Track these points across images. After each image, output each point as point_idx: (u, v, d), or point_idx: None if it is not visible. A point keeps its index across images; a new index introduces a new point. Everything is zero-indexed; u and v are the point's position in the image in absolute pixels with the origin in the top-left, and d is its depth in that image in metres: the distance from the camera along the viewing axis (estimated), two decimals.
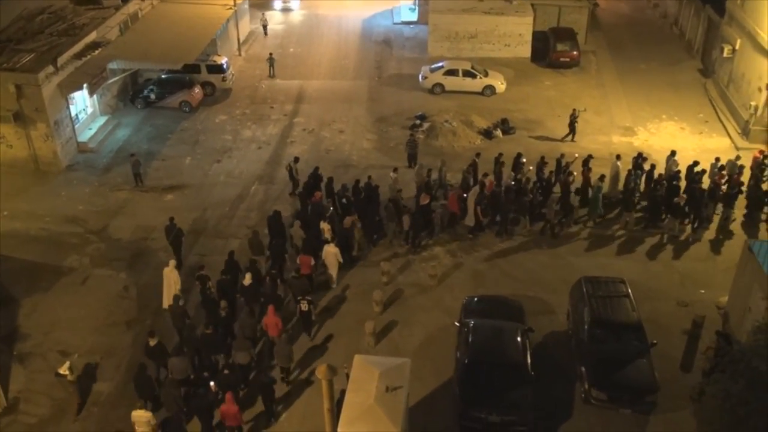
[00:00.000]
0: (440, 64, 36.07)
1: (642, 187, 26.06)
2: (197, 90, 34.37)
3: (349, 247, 23.26)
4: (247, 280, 20.36)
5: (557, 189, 25.80)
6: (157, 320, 20.96)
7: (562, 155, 26.97)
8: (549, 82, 36.92)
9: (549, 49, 38.22)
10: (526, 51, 39.14)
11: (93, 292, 22.27)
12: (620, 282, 20.09)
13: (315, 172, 25.97)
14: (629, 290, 19.68)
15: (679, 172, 25.75)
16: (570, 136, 30.70)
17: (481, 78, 35.27)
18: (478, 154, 27.38)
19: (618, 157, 26.90)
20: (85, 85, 29.51)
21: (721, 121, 32.55)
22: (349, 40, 42.85)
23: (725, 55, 33.26)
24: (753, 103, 30.34)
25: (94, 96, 31.70)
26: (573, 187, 25.31)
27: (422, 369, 18.87)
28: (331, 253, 22.00)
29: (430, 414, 17.79)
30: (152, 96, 33.92)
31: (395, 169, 26.14)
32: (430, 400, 18.26)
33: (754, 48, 30.80)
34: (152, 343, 18.44)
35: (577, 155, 27.34)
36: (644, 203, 25.85)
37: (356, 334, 20.40)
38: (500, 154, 27.13)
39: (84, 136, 30.90)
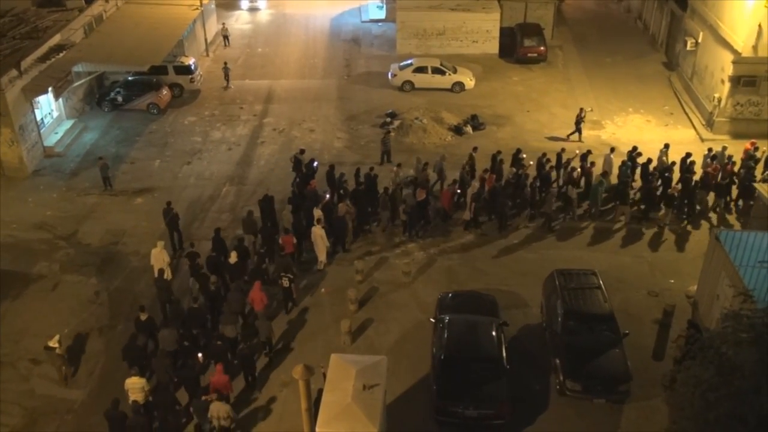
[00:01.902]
0: (409, 62, 36.16)
1: (637, 179, 26.24)
2: (165, 92, 34.02)
3: (343, 235, 23.62)
4: (233, 258, 21.14)
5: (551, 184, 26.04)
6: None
7: (563, 150, 27.17)
8: (517, 78, 37.22)
9: (516, 45, 38.52)
10: (493, 47, 39.41)
11: (63, 298, 21.95)
12: (592, 274, 20.35)
13: (310, 163, 26.56)
14: (601, 282, 19.96)
15: (673, 164, 26.02)
16: (576, 135, 30.61)
17: (450, 75, 35.44)
18: (475, 149, 27.37)
19: (612, 150, 27.12)
20: (50, 89, 29.04)
21: (686, 113, 33.11)
22: (318, 38, 42.77)
23: (688, 48, 33.85)
24: (716, 95, 30.92)
25: (60, 99, 31.27)
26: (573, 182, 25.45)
27: (398, 366, 18.93)
28: (318, 235, 22.43)
29: (407, 411, 17.86)
30: (119, 98, 33.52)
31: (399, 165, 26.59)
32: (408, 396, 18.32)
33: (716, 41, 31.37)
34: (143, 317, 19.17)
35: (578, 151, 27.41)
36: (633, 196, 25.95)
37: (332, 332, 20.40)
38: (498, 152, 27.11)
39: (50, 140, 30.39)
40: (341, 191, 25.15)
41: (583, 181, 25.96)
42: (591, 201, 25.41)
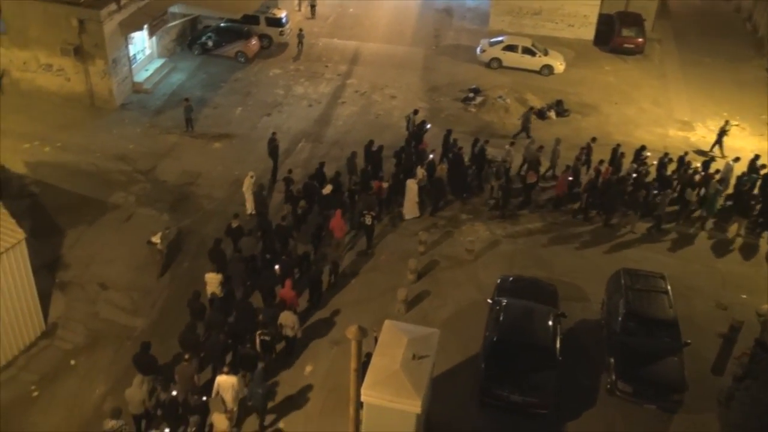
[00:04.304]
0: (500, 39, 35.44)
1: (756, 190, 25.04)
2: (254, 42, 34.38)
3: (439, 196, 24.25)
4: (327, 190, 22.79)
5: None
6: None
7: (686, 153, 26.35)
8: (609, 68, 36.02)
9: (613, 34, 37.16)
10: (589, 33, 38.16)
11: (135, 230, 22.68)
12: (660, 277, 19.77)
13: (422, 124, 27.64)
14: (668, 286, 19.37)
15: None
16: (717, 146, 29.00)
17: (540, 56, 34.58)
18: (593, 139, 26.70)
19: (736, 159, 25.92)
20: (145, 26, 29.75)
21: None
22: (410, 5, 42.21)
23: None
24: None
25: (154, 38, 31.92)
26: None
27: (448, 341, 18.78)
28: (411, 188, 23.24)
29: (451, 387, 17.83)
30: (210, 43, 34.05)
31: (512, 143, 26.62)
32: (453, 373, 18.31)
33: None
34: (234, 224, 21.15)
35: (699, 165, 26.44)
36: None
37: (388, 299, 20.49)
38: (618, 145, 26.41)
39: (140, 76, 31.20)
40: (450, 155, 25.48)
41: (701, 188, 24.77)
42: (707, 209, 24.32)
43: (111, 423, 15.11)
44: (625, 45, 36.88)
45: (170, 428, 15.96)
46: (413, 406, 14.41)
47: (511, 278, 20.21)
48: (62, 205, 23.29)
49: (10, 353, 18.10)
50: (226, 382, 16.06)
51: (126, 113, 29.30)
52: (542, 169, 25.86)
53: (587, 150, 25.99)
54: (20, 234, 17.63)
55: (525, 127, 28.76)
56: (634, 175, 24.79)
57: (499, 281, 20.13)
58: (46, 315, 19.23)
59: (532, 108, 30.07)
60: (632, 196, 24.09)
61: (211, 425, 15.99)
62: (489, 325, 18.51)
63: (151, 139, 27.69)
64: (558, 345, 17.77)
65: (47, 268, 20.75)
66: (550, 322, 18.17)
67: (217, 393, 16.07)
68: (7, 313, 17.65)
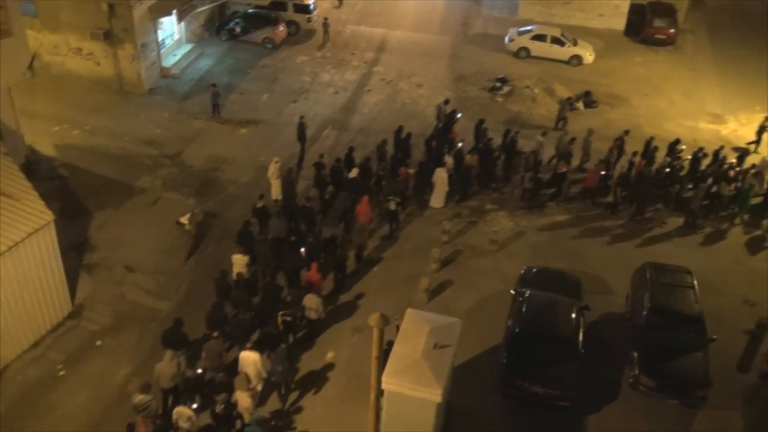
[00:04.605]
0: (529, 28, 35.10)
1: None
2: (281, 28, 34.40)
3: (466, 185, 24.29)
4: (353, 173, 22.98)
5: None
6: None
7: (722, 147, 25.95)
8: (639, 59, 35.51)
9: (645, 24, 36.62)
10: (620, 23, 37.63)
11: (161, 214, 22.89)
12: (686, 272, 19.52)
13: (453, 113, 27.53)
14: (695, 281, 19.13)
15: None
16: (754, 144, 28.45)
17: (569, 46, 34.19)
18: (626, 132, 26.36)
19: None
20: (174, 11, 29.90)
21: None
22: None
23: None
24: None
25: (182, 23, 32.11)
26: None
27: (470, 332, 18.67)
28: (441, 177, 23.29)
29: (472, 377, 17.80)
30: (237, 29, 34.13)
31: (544, 133, 26.34)
32: (474, 363, 18.25)
33: None
34: (259, 204, 21.39)
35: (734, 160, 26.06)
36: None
37: (410, 288, 20.47)
38: (651, 138, 26.01)
39: (168, 61, 31.38)
40: (480, 145, 25.50)
41: (735, 183, 24.37)
42: (740, 204, 23.85)
43: (140, 397, 15.38)
44: (657, 36, 36.31)
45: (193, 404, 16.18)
46: (434, 394, 14.42)
47: (534, 269, 20.08)
48: (90, 188, 23.56)
49: (38, 332, 18.44)
50: (248, 358, 16.35)
51: (154, 98, 29.52)
52: (575, 161, 25.60)
53: (620, 142, 25.65)
54: (49, 215, 17.91)
55: (560, 118, 28.53)
56: (668, 169, 24.43)
57: (522, 272, 20.01)
58: (73, 296, 19.54)
59: (569, 98, 29.76)
60: (665, 191, 23.73)
61: (236, 403, 16.19)
62: (511, 316, 18.43)
63: (178, 124, 27.89)
64: (581, 337, 17.64)
65: (75, 250, 21.03)
66: (573, 315, 18.03)
67: (241, 369, 16.32)
68: (36, 293, 17.97)
